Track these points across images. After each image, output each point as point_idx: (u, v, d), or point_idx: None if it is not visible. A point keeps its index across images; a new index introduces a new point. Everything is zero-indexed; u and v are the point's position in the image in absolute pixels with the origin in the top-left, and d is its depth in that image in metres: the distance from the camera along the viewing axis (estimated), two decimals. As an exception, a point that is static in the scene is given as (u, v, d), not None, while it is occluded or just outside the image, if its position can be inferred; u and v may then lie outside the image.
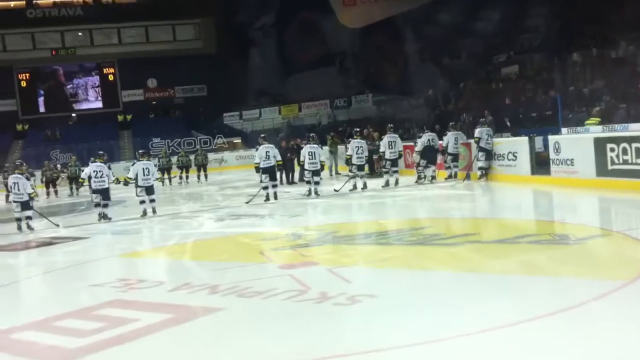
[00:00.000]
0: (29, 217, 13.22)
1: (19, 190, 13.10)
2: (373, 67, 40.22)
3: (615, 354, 3.99)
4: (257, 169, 14.86)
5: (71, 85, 47.25)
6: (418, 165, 16.33)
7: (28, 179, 13.55)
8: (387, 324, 4.92)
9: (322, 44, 39.22)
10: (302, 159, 15.38)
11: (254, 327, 5.23)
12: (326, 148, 20.99)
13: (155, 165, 16.07)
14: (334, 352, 4.47)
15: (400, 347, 4.41)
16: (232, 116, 43.38)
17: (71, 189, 24.50)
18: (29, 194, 13.22)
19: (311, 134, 16.47)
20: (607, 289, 5.23)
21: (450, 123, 17.06)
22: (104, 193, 13.72)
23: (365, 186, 15.45)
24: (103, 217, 13.61)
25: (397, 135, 16.21)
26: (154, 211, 13.82)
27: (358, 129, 17.11)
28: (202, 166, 26.00)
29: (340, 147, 21.22)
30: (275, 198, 14.73)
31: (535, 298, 5.26)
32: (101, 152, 14.66)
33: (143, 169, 13.83)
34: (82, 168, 22.00)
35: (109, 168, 14.14)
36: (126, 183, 14.42)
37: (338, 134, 24.71)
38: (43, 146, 39.25)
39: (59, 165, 26.95)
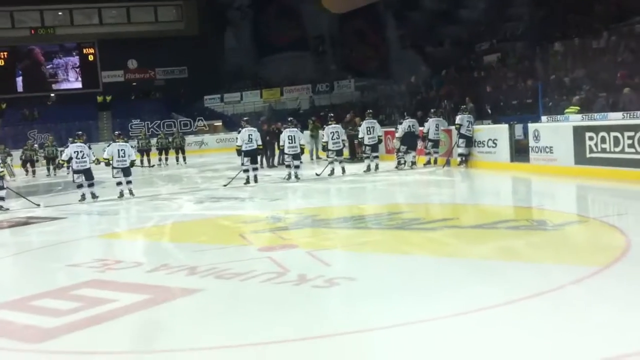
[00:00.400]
0: (0, 198, 13.04)
1: None
2: (355, 52, 40.12)
3: (592, 333, 4.04)
4: (239, 152, 14.83)
5: (51, 65, 46.56)
6: (398, 150, 16.37)
7: None
8: (366, 306, 4.94)
9: (301, 27, 39.02)
10: (281, 143, 15.38)
11: (232, 308, 5.23)
12: (307, 132, 20.98)
13: (133, 147, 15.89)
14: (312, 333, 4.48)
15: (379, 329, 4.42)
16: (213, 99, 43.05)
17: (48, 169, 24.28)
18: None
19: (290, 118, 16.44)
20: (583, 274, 5.28)
21: (432, 109, 17.12)
22: (87, 173, 13.53)
23: (344, 171, 15.46)
24: (92, 196, 13.47)
25: (375, 121, 16.24)
26: (130, 192, 13.70)
27: (332, 115, 17.14)
28: (179, 148, 25.83)
29: (322, 132, 21.21)
30: (256, 181, 14.71)
31: (513, 282, 5.30)
32: (80, 132, 14.52)
33: (119, 150, 13.68)
34: (59, 148, 21.80)
35: (89, 148, 14.00)
36: (108, 164, 14.20)
37: (319, 119, 24.68)
38: (21, 126, 38.76)
39: (36, 145, 26.64)
